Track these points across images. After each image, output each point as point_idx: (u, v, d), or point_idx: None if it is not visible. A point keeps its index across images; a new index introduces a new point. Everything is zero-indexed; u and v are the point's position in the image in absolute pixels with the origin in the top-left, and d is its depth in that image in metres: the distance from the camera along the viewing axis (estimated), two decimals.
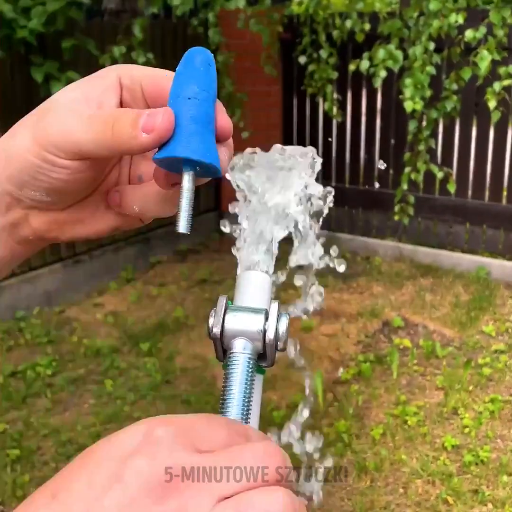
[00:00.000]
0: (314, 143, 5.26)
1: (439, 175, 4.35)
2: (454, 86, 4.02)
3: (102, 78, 0.50)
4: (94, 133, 0.46)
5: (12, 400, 3.30)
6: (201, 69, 0.45)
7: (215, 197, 5.39)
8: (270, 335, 0.47)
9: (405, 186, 4.33)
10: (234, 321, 0.46)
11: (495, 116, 3.94)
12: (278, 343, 0.47)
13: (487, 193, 4.77)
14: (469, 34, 3.83)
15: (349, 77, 4.94)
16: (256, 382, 0.46)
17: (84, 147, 0.46)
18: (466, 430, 3.06)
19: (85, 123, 0.46)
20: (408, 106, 3.94)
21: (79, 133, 0.46)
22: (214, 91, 0.45)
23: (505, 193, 4.71)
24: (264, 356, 0.47)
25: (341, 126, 5.13)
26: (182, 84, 0.44)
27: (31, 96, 4.08)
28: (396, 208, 4.48)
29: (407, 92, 3.92)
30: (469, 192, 4.81)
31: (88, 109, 0.48)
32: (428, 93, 3.99)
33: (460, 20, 3.82)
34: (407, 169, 4.32)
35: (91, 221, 0.53)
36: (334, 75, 4.67)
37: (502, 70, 3.86)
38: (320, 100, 5.08)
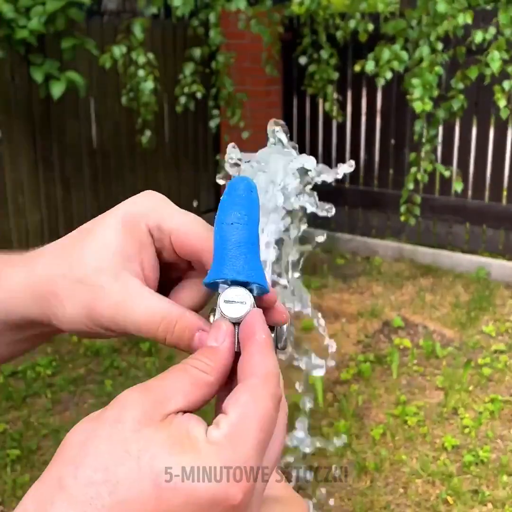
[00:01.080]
0: (314, 143, 5.27)
1: (446, 174, 4.34)
2: (460, 85, 4.01)
3: (133, 230, 0.50)
4: (154, 329, 0.48)
5: (12, 400, 3.30)
6: (243, 196, 0.47)
7: (215, 197, 5.39)
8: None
9: (411, 186, 4.30)
10: None
11: (504, 113, 3.94)
12: (278, 342, 0.48)
13: (487, 193, 4.77)
14: (478, 36, 3.83)
15: (349, 78, 4.94)
16: None
17: (141, 332, 0.49)
18: (466, 430, 3.06)
19: (147, 316, 0.48)
20: (418, 107, 3.92)
21: (140, 325, 0.48)
22: (256, 215, 0.48)
23: (505, 193, 4.71)
24: None
25: (341, 126, 5.13)
26: (225, 211, 0.47)
27: (31, 96, 4.08)
28: (402, 209, 4.43)
29: (416, 93, 3.89)
30: (469, 192, 4.81)
31: (133, 276, 0.49)
32: (436, 93, 3.97)
33: (468, 20, 3.82)
34: (413, 169, 4.30)
35: None
36: (335, 75, 4.67)
37: (510, 68, 3.86)
38: (320, 100, 5.08)
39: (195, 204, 5.26)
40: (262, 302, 0.47)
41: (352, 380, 3.47)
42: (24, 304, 0.52)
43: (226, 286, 0.46)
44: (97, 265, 0.49)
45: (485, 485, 2.75)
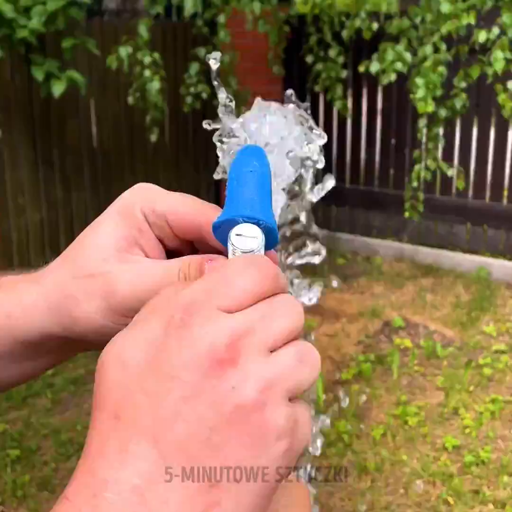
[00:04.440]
0: None
1: (449, 172, 4.34)
2: (463, 84, 4.01)
3: (130, 218, 0.51)
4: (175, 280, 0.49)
5: (12, 400, 3.30)
6: (258, 153, 0.49)
7: (215, 196, 5.39)
8: None
9: (415, 184, 4.29)
10: None
11: (507, 113, 3.92)
12: None
13: (488, 193, 4.77)
14: (482, 35, 3.82)
15: (350, 77, 4.94)
16: None
17: None
18: (467, 430, 3.06)
19: (166, 273, 0.49)
20: (420, 107, 3.91)
21: (161, 284, 0.48)
22: (269, 173, 0.48)
23: (505, 193, 4.71)
24: None
25: (342, 126, 5.13)
26: (243, 161, 0.48)
27: (31, 96, 4.08)
28: (406, 206, 4.42)
29: (420, 93, 3.88)
30: (470, 192, 4.81)
31: (139, 260, 0.50)
32: (439, 93, 3.95)
33: (472, 20, 3.82)
34: (417, 167, 4.28)
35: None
36: (344, 73, 4.65)
37: None
38: (321, 100, 5.08)
39: None
40: None
41: (353, 380, 3.46)
42: (41, 318, 0.53)
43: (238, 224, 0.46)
44: (102, 257, 0.50)
45: (485, 485, 2.75)
